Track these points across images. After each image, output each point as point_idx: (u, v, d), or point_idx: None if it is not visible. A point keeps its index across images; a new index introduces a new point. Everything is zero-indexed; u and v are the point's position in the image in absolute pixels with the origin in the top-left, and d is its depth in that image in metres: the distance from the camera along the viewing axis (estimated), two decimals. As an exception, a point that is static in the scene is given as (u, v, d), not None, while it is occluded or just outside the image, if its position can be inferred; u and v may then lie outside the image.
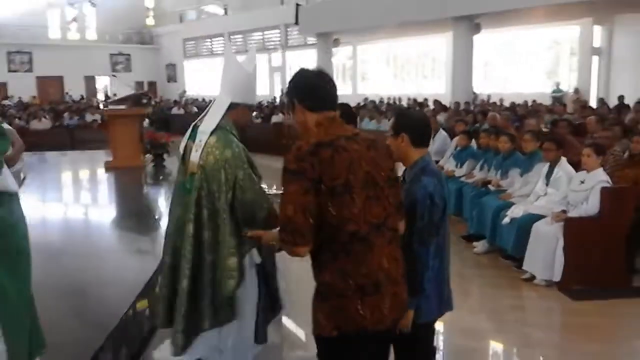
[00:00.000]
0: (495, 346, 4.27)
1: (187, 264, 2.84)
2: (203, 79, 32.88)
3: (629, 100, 14.47)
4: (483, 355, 4.13)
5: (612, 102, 15.19)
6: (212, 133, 2.86)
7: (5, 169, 1.92)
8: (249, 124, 3.11)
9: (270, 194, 3.02)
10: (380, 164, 2.11)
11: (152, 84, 34.76)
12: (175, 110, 22.66)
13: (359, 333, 2.02)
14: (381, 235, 2.07)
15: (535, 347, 4.21)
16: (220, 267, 2.83)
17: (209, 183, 2.81)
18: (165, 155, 8.95)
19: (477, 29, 16.23)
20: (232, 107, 2.94)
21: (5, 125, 2.03)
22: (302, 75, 2.22)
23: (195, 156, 2.85)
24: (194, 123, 3.03)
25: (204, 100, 28.22)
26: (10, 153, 2.00)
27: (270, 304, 3.14)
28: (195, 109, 23.28)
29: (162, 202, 7.17)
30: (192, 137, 2.95)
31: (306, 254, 2.04)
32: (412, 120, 2.68)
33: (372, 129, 13.05)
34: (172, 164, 9.86)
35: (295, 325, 4.27)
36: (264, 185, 3.04)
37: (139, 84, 32.56)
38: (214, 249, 2.83)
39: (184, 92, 31.03)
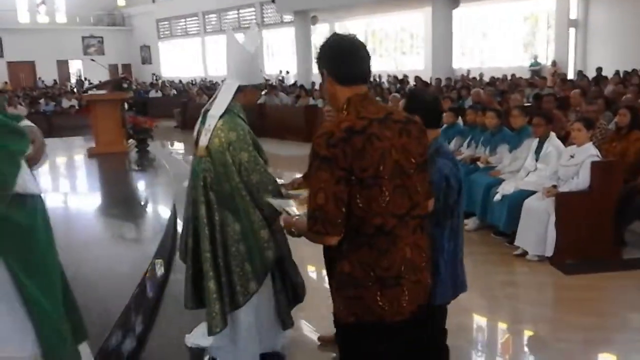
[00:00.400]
0: (488, 323, 4.30)
1: (206, 247, 2.96)
2: (179, 60, 32.42)
3: (606, 72, 14.64)
4: (477, 332, 4.15)
5: (590, 74, 15.35)
6: (220, 117, 2.96)
7: (25, 169, 1.84)
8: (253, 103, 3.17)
9: (291, 195, 3.00)
10: (411, 150, 2.01)
11: (126, 67, 34.15)
12: (153, 94, 22.30)
13: (376, 323, 1.99)
14: (405, 225, 1.99)
15: (528, 322, 4.26)
16: (255, 240, 2.94)
17: (215, 165, 2.93)
18: (149, 140, 8.81)
19: (455, 3, 16.18)
20: (240, 89, 3.04)
21: (26, 122, 1.95)
22: (333, 43, 2.04)
23: (203, 140, 2.96)
24: (204, 108, 3.11)
25: (180, 82, 27.85)
26: (31, 152, 1.89)
27: (292, 289, 3.21)
28: (174, 92, 22.94)
29: (148, 188, 7.07)
30: (203, 121, 3.04)
31: (336, 243, 1.97)
32: (425, 101, 2.70)
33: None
34: (155, 148, 9.73)
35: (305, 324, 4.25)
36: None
37: (113, 67, 31.94)
38: (231, 225, 2.93)
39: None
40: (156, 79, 29.35)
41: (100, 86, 9.19)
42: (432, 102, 2.72)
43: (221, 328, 2.99)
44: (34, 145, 1.89)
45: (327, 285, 4.54)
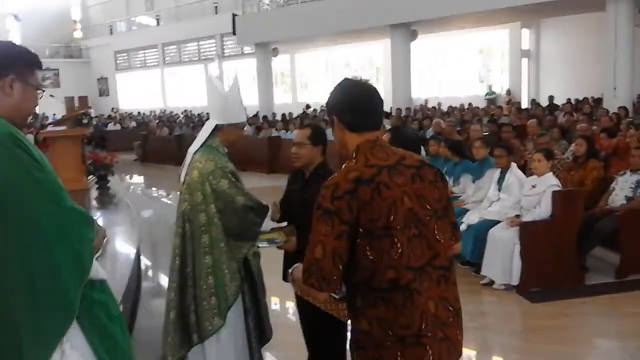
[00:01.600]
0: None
1: (174, 277, 3.04)
2: (137, 92, 32.08)
3: (558, 100, 15.20)
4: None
5: (542, 102, 15.90)
6: (197, 151, 3.08)
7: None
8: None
9: (270, 233, 3.06)
10: (426, 196, 1.87)
11: (83, 99, 33.51)
12: (111, 126, 21.97)
13: None
14: (427, 277, 1.84)
15: (500, 352, 4.31)
16: (220, 272, 2.96)
17: (191, 196, 3.00)
18: (109, 176, 8.62)
19: (413, 35, 16.59)
20: (218, 128, 3.14)
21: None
22: (343, 88, 1.97)
23: (182, 174, 3.09)
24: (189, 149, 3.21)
25: (139, 113, 27.54)
26: (96, 241, 1.96)
27: (260, 328, 3.19)
28: (134, 124, 22.65)
29: (111, 227, 6.89)
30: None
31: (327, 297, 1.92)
32: (409, 138, 2.75)
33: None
34: (116, 184, 9.54)
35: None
36: None
37: (69, 99, 31.33)
38: (200, 258, 2.97)
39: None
40: (115, 111, 28.96)
41: (59, 122, 8.99)
42: (416, 137, 2.88)
43: (176, 358, 3.03)
44: (98, 234, 1.97)
45: (292, 318, 4.55)
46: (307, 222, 3.12)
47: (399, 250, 1.80)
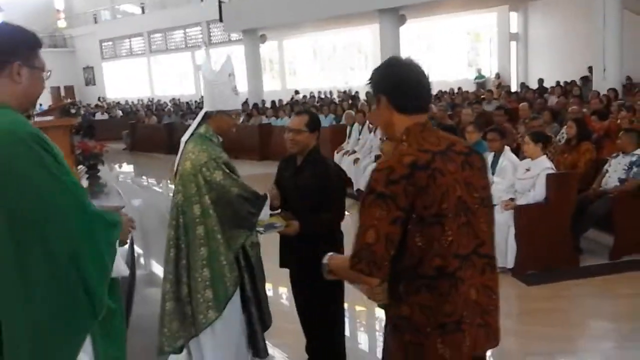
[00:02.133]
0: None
1: (170, 269, 2.98)
2: (124, 81, 31.79)
3: (546, 83, 15.23)
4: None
5: (531, 85, 15.92)
6: (188, 140, 3.01)
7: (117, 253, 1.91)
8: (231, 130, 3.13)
9: (268, 219, 3.03)
10: (474, 184, 1.84)
11: (69, 89, 33.20)
12: (99, 116, 21.75)
13: None
14: (471, 265, 1.83)
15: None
16: (218, 263, 2.91)
17: (185, 188, 2.94)
18: (99, 165, 8.53)
19: (402, 20, 16.49)
20: (208, 115, 3.07)
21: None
22: (393, 67, 1.89)
23: (175, 164, 3.03)
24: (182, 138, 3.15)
25: (127, 102, 27.29)
26: (122, 233, 1.96)
27: (260, 317, 3.16)
28: (121, 113, 22.46)
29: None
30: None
31: (377, 283, 1.85)
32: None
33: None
34: (107, 174, 9.45)
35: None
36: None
37: (55, 89, 31.01)
38: (196, 250, 2.92)
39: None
40: (102, 100, 28.67)
41: (47, 112, 8.86)
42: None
43: (172, 348, 3.00)
44: (123, 225, 1.96)
45: (287, 304, 4.54)
46: (302, 208, 3.12)
47: (449, 238, 1.78)
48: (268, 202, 3.02)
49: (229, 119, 3.08)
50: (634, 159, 5.57)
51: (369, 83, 1.95)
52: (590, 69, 14.30)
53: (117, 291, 1.96)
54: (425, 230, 1.76)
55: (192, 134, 3.05)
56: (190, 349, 3.04)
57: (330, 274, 2.05)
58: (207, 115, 3.07)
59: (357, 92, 18.55)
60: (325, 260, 2.08)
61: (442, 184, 1.76)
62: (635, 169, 5.51)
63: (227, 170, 2.92)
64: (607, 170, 5.77)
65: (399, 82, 1.87)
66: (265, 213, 2.99)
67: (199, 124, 3.08)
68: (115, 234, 1.89)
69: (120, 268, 1.93)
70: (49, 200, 1.70)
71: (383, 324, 4.38)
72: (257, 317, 3.13)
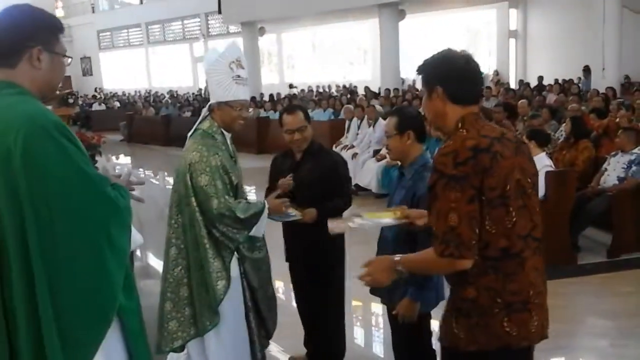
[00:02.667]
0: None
1: (168, 268, 2.86)
2: (121, 72, 31.66)
3: (545, 81, 15.23)
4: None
5: (530, 82, 15.91)
6: (190, 136, 2.87)
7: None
8: (238, 124, 2.92)
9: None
10: (527, 170, 1.89)
11: (66, 79, 32.98)
12: (96, 106, 21.67)
13: (502, 349, 1.86)
14: (528, 247, 1.86)
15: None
16: (206, 270, 2.77)
17: (178, 185, 2.82)
18: (97, 157, 8.48)
19: (402, 15, 16.45)
20: (211, 108, 2.90)
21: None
22: (450, 58, 1.94)
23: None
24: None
25: (124, 94, 27.19)
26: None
27: (261, 324, 3.06)
28: (118, 104, 22.38)
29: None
30: None
31: (469, 267, 1.84)
32: (415, 117, 2.77)
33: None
34: (104, 165, 9.39)
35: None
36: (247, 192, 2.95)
37: (52, 79, 30.86)
38: (193, 252, 2.80)
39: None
40: (99, 91, 28.56)
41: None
42: (420, 116, 2.78)
43: (170, 348, 2.90)
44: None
45: (283, 298, 4.53)
46: (313, 197, 3.11)
47: (513, 219, 1.81)
48: (264, 216, 2.82)
49: (231, 111, 2.85)
50: (632, 157, 5.58)
51: (421, 73, 1.99)
52: (586, 68, 14.32)
53: (133, 290, 1.93)
54: (493, 212, 1.79)
55: (195, 129, 2.90)
56: (189, 350, 2.94)
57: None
58: (211, 109, 2.90)
59: (355, 87, 18.51)
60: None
61: (504, 166, 1.80)
62: (634, 168, 5.52)
63: (216, 177, 2.72)
64: (605, 169, 5.78)
65: (455, 73, 1.91)
66: (259, 230, 2.82)
67: (204, 118, 2.92)
68: (130, 214, 1.88)
69: (136, 239, 1.94)
70: (72, 192, 1.67)
71: (380, 319, 4.42)
72: (256, 325, 3.00)
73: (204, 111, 2.95)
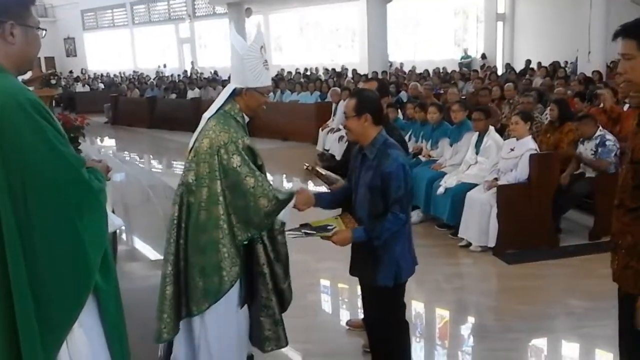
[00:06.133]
0: (435, 314, 4.37)
1: (171, 249, 2.80)
2: (106, 53, 31.20)
3: (533, 64, 15.24)
4: (424, 324, 4.21)
5: (517, 66, 15.93)
6: (211, 117, 2.79)
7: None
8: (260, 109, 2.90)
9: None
10: None
11: (49, 59, 32.51)
12: (80, 88, 21.37)
13: None
14: None
15: (475, 312, 4.38)
16: (218, 254, 2.71)
17: (198, 167, 2.73)
18: (80, 139, 8.39)
19: (390, -4, 16.34)
20: (237, 92, 2.85)
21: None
22: None
23: (192, 141, 2.81)
24: (204, 114, 2.90)
25: (108, 75, 26.85)
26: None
27: (278, 300, 2.97)
28: (102, 86, 22.11)
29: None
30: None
31: None
32: (372, 101, 2.86)
33: (294, 100, 12.97)
34: (87, 147, 9.32)
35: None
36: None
37: (35, 60, 30.37)
38: (203, 233, 2.73)
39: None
40: (83, 73, 28.17)
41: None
42: (377, 100, 2.90)
43: (171, 335, 2.84)
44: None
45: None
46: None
47: None
48: (291, 204, 2.80)
49: (260, 97, 2.84)
50: (597, 141, 5.59)
51: (632, 37, 2.01)
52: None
53: (110, 272, 1.92)
54: None
55: (217, 110, 2.81)
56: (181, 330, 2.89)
57: None
58: (235, 92, 2.84)
59: (346, 69, 18.41)
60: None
61: None
62: (600, 150, 5.55)
63: (247, 158, 2.70)
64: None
65: None
66: (283, 214, 2.80)
67: (226, 101, 2.84)
68: (105, 196, 1.88)
69: (115, 222, 1.98)
70: (44, 169, 1.67)
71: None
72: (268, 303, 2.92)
73: (225, 93, 2.86)
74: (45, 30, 1.88)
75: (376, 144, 2.79)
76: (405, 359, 3.12)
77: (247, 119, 2.90)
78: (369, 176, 2.79)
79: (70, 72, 28.05)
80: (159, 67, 26.46)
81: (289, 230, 2.87)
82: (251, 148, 2.77)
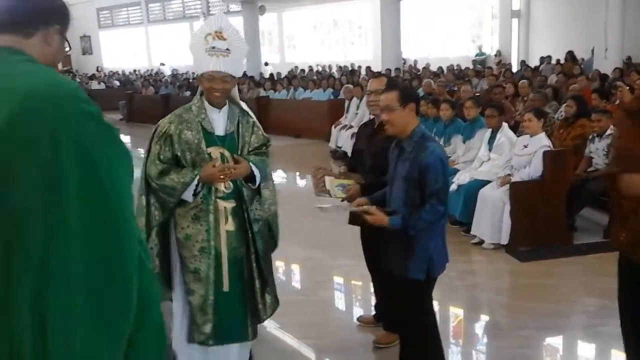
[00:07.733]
0: (449, 312, 4.35)
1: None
2: (121, 51, 31.44)
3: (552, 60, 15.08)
4: (437, 323, 4.19)
5: (532, 63, 15.79)
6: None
7: None
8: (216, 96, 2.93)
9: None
10: None
11: (66, 57, 32.83)
12: (95, 85, 21.55)
13: None
14: None
15: (488, 310, 4.36)
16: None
17: None
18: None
19: (403, -6, 16.29)
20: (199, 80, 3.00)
21: None
22: None
23: None
24: None
25: (124, 73, 27.06)
26: None
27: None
28: (117, 83, 22.27)
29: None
30: None
31: None
32: (412, 90, 3.03)
33: (307, 97, 12.98)
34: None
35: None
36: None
37: (52, 58, 30.65)
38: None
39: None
40: (99, 70, 28.42)
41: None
42: (416, 91, 2.96)
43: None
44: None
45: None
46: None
47: None
48: (191, 188, 2.89)
49: (204, 82, 2.89)
50: (609, 140, 5.51)
51: None
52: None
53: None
54: None
55: None
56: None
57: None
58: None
59: (359, 67, 18.38)
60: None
61: None
62: (611, 149, 5.47)
63: (157, 146, 2.98)
64: (590, 153, 5.76)
65: None
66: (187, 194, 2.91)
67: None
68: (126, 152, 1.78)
69: None
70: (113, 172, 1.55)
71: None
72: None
73: None
74: (71, 48, 1.91)
75: (414, 137, 2.79)
76: None
77: (213, 108, 2.97)
78: (405, 168, 2.78)
79: (93, 75, 28.34)
80: (160, 65, 26.55)
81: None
82: (171, 135, 2.95)
